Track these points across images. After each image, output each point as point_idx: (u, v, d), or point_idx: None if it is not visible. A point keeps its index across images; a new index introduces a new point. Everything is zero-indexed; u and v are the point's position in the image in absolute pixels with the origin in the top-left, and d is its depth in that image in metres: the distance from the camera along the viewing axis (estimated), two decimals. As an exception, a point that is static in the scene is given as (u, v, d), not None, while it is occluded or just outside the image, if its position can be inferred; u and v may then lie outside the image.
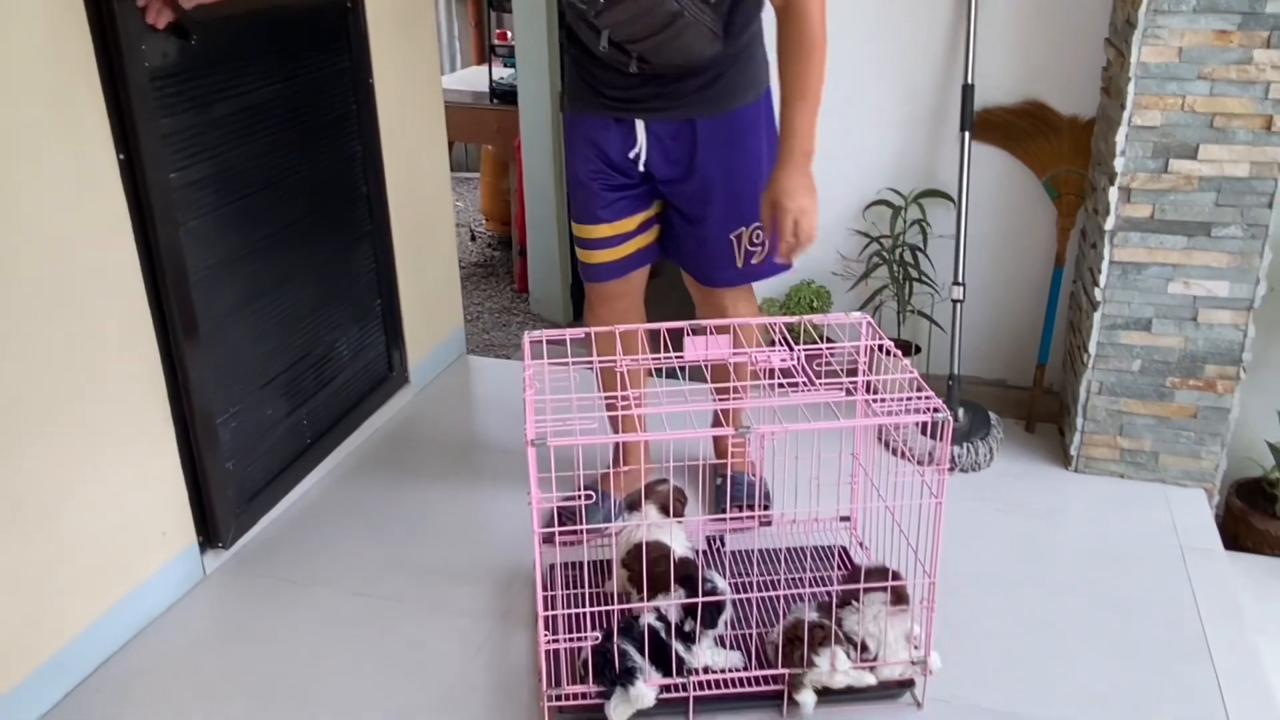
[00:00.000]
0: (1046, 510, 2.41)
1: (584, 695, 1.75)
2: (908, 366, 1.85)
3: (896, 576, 1.83)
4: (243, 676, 1.90)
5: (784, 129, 1.88)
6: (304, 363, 2.43)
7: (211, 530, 2.16)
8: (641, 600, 1.81)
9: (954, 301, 2.65)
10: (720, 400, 2.12)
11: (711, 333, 1.88)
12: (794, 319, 2.08)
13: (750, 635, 1.91)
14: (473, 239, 4.97)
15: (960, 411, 2.64)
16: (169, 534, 2.05)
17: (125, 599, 1.96)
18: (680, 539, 1.95)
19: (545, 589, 1.87)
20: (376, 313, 2.74)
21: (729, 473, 2.29)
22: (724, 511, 2.18)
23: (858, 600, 1.79)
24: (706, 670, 1.79)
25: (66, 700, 1.83)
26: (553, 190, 3.76)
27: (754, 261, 2.11)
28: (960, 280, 2.64)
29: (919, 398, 1.76)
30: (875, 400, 1.81)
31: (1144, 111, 2.22)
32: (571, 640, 1.80)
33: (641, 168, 2.02)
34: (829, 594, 1.92)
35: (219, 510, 2.15)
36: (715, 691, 1.78)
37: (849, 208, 2.86)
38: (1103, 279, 2.36)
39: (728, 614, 1.84)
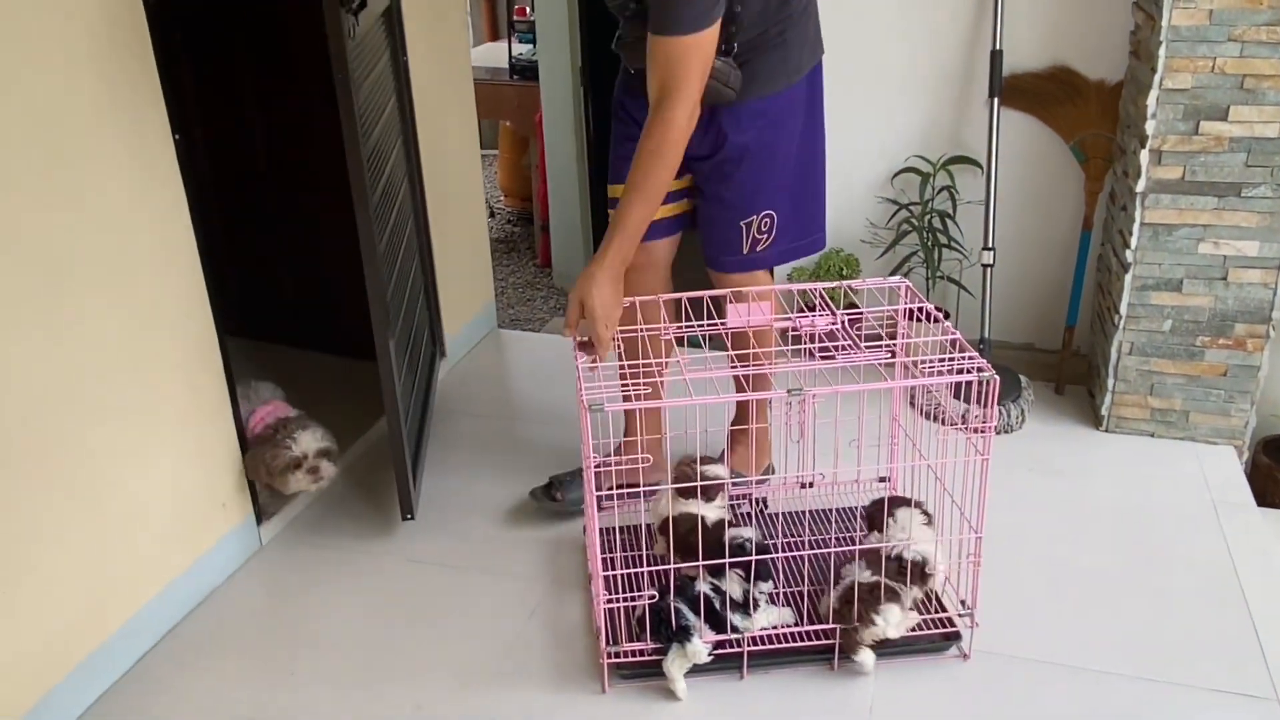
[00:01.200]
0: (1079, 469, 2.46)
1: (641, 652, 1.81)
2: (949, 329, 1.89)
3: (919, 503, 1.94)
4: (304, 642, 1.96)
5: (614, 215, 1.87)
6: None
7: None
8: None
9: (984, 266, 2.69)
10: (744, 366, 2.15)
11: (755, 300, 1.93)
12: (834, 284, 2.11)
13: (802, 594, 1.96)
14: (491, 215, 5.00)
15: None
16: (228, 505, 2.10)
17: (189, 569, 2.01)
18: (712, 506, 1.94)
19: (601, 551, 1.92)
20: (419, 287, 2.78)
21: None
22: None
23: (894, 518, 1.89)
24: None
25: (137, 666, 1.89)
26: (574, 165, 3.79)
27: (759, 250, 2.06)
28: (990, 245, 2.68)
29: (963, 358, 1.80)
30: (917, 363, 1.85)
31: (1175, 74, 2.25)
32: (627, 600, 1.86)
33: None
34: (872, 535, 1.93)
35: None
36: (768, 647, 1.84)
37: (878, 175, 2.89)
38: (1133, 241, 2.39)
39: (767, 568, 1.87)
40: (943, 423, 2.57)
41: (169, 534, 1.96)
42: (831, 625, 1.83)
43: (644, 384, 1.89)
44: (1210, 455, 2.47)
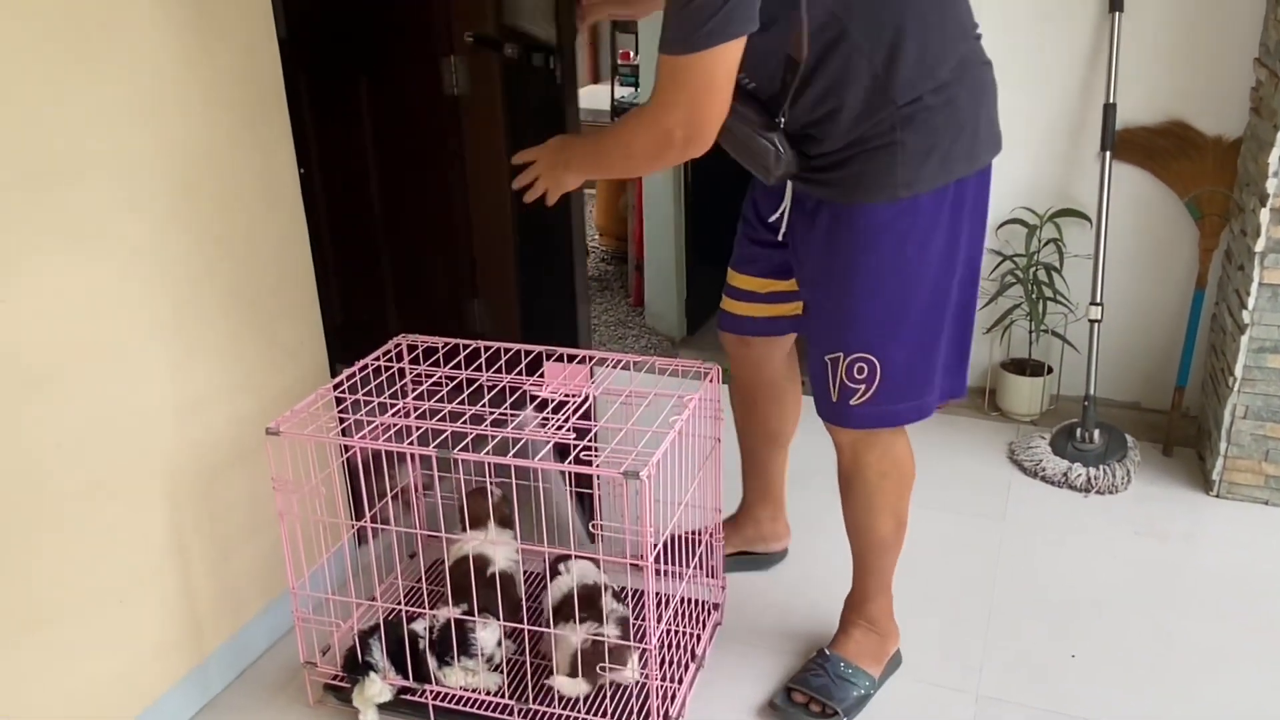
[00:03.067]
0: (1186, 534, 2.37)
1: (339, 678, 1.89)
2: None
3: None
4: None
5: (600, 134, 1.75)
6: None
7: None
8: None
9: (1091, 322, 2.63)
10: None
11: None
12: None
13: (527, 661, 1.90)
14: (586, 254, 5.07)
15: (1096, 433, 2.62)
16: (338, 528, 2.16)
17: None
18: (505, 551, 1.97)
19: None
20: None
21: None
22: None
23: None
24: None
25: (249, 671, 1.97)
26: (670, 207, 3.82)
27: (852, 403, 1.65)
28: (1098, 300, 2.62)
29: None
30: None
31: (1299, 131, 2.19)
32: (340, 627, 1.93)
33: (780, 236, 1.76)
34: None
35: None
36: (454, 706, 1.84)
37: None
38: (1251, 301, 2.32)
39: (494, 637, 1.85)
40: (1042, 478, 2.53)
41: (275, 563, 2.02)
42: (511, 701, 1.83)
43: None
44: (1329, 527, 2.37)
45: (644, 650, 1.73)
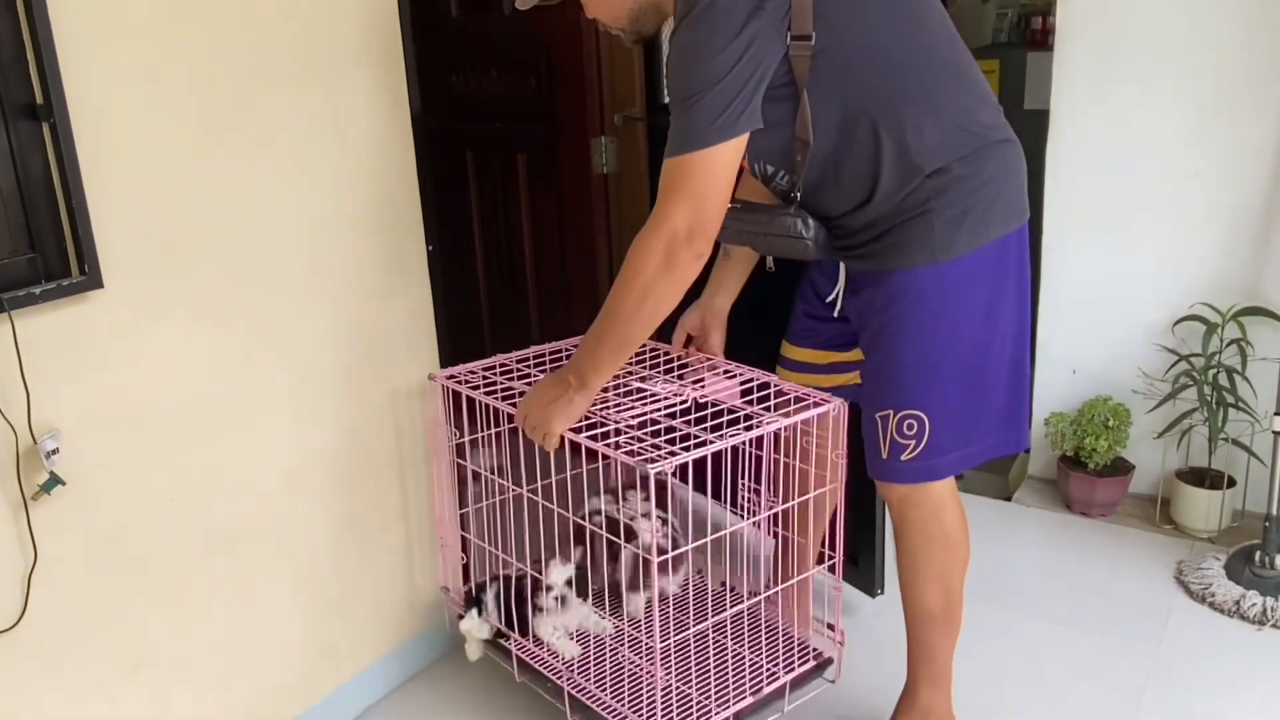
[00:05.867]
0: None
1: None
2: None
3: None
4: None
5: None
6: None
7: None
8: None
9: (1275, 434, 2.36)
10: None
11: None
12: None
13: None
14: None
15: (1278, 558, 2.33)
16: (450, 589, 2.21)
17: (410, 640, 2.16)
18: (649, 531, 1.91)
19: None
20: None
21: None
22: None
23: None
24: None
25: (340, 735, 2.03)
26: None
27: (903, 458, 1.67)
28: (1285, 410, 2.35)
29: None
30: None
31: None
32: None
33: (835, 313, 1.80)
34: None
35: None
36: (535, 663, 1.95)
37: (1156, 320, 2.63)
38: None
39: (564, 575, 1.96)
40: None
41: (378, 619, 2.09)
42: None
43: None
44: None
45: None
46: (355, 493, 1.98)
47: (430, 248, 2.06)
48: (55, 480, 1.46)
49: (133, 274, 1.55)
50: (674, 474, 1.66)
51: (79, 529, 1.54)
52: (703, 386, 1.83)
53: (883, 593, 2.26)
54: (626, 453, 1.62)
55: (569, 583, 1.98)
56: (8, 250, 1.42)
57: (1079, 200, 2.68)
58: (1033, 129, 3.74)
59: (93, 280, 1.48)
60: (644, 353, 2.00)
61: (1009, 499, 2.86)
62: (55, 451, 1.46)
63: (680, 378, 1.91)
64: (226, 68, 1.63)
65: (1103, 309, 2.70)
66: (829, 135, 1.54)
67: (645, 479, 1.57)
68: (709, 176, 1.47)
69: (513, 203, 3.04)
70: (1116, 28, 2.54)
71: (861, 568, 2.27)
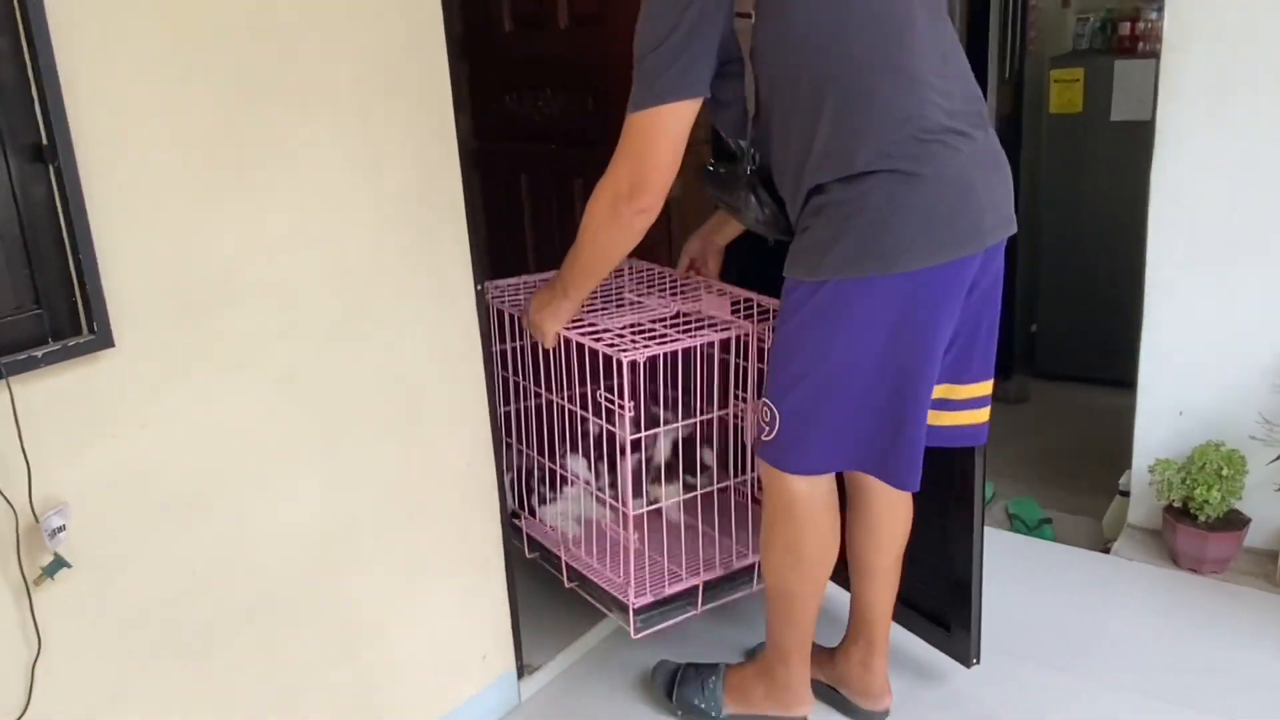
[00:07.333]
0: None
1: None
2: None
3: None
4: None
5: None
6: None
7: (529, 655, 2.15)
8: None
9: None
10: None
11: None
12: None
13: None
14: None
15: None
16: (489, 657, 2.04)
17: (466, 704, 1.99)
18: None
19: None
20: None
21: None
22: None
23: None
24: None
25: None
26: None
27: (762, 437, 1.74)
28: None
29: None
30: None
31: None
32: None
33: None
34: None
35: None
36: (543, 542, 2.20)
37: (1274, 361, 2.38)
38: None
39: (581, 466, 2.14)
40: None
41: (425, 683, 1.93)
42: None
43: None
44: None
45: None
46: (398, 554, 1.82)
47: (479, 287, 1.89)
48: (60, 563, 1.31)
49: (147, 329, 1.40)
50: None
51: (89, 612, 1.39)
52: (697, 301, 2.05)
53: (979, 662, 2.04)
54: (607, 345, 1.84)
55: (574, 476, 2.14)
56: (10, 306, 1.27)
57: (1188, 227, 2.44)
58: (1120, 141, 3.53)
59: (103, 339, 1.33)
60: (650, 273, 2.23)
61: (1106, 550, 2.62)
62: (61, 529, 1.31)
63: (677, 295, 2.12)
64: (252, 101, 1.48)
65: (1215, 347, 2.46)
66: (766, 117, 1.59)
67: (620, 365, 1.78)
68: (649, 138, 1.56)
69: (567, 228, 2.88)
70: (1234, 37, 2.30)
71: (954, 634, 2.06)
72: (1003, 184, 1.63)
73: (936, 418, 1.75)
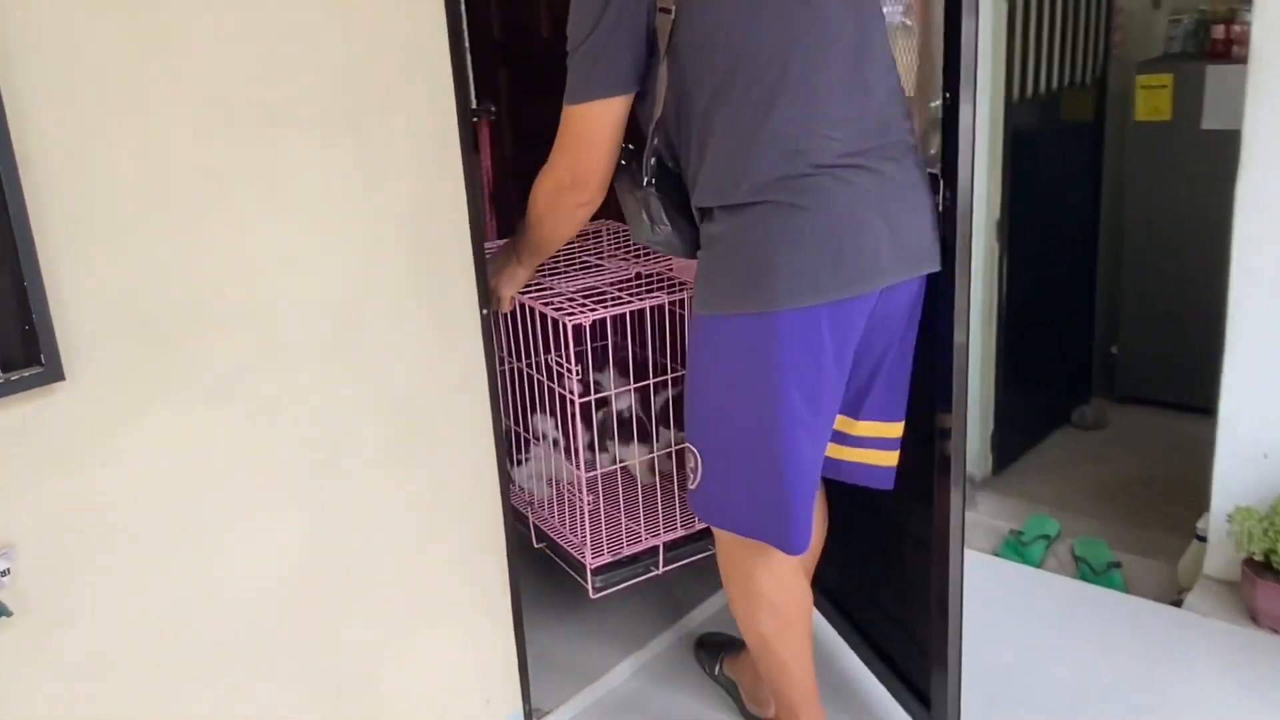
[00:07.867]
0: None
1: None
2: None
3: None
4: None
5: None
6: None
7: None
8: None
9: None
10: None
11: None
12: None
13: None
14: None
15: None
16: (493, 701, 1.93)
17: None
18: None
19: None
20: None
21: None
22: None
23: None
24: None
25: None
26: (979, 321, 3.32)
27: (691, 489, 1.67)
28: None
29: None
30: None
31: None
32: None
33: None
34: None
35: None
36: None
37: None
38: None
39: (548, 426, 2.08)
40: None
41: (424, 727, 1.83)
42: None
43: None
44: None
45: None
46: (393, 591, 1.72)
47: (484, 311, 1.78)
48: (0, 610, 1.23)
49: (107, 361, 1.31)
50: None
51: (38, 663, 1.31)
52: (663, 263, 2.05)
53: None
54: (555, 310, 1.84)
55: (543, 436, 2.10)
56: (-46, 336, 1.20)
57: (1275, 245, 2.21)
58: (1212, 150, 3.26)
59: (52, 371, 1.24)
60: (626, 234, 2.15)
61: (1178, 601, 2.40)
62: (4, 574, 1.24)
63: (641, 257, 2.12)
64: (228, 115, 1.38)
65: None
66: (675, 124, 1.53)
67: (565, 329, 1.79)
68: (581, 132, 1.53)
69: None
70: (1332, 42, 2.07)
71: (934, 711, 1.87)
72: (917, 218, 1.53)
73: (833, 450, 1.67)
